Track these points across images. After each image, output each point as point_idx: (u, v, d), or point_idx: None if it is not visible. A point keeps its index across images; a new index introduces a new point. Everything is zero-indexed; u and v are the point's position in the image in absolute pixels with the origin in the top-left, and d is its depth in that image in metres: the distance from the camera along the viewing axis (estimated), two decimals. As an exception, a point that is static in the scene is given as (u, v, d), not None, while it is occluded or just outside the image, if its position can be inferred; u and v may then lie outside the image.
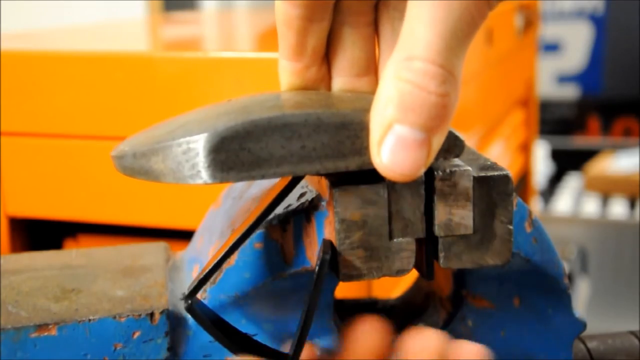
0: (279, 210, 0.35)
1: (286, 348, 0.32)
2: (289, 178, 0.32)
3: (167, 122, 0.33)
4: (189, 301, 0.33)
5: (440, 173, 0.31)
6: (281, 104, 0.31)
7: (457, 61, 0.28)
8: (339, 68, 0.35)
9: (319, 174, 0.30)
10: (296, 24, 0.33)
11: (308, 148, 0.29)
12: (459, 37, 0.27)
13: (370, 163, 0.28)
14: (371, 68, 0.35)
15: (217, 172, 0.28)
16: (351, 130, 0.29)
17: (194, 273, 0.38)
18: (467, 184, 0.31)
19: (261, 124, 0.29)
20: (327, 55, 0.35)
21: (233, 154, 0.28)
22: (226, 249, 0.32)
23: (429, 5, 0.27)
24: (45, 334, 0.34)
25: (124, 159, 0.31)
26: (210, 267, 0.33)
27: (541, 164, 2.01)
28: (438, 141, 0.28)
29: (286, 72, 0.34)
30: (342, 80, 0.35)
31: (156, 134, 0.31)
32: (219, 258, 0.32)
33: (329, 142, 0.29)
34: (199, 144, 0.28)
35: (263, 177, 0.29)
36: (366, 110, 0.29)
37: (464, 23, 0.27)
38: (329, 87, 0.35)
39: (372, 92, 0.34)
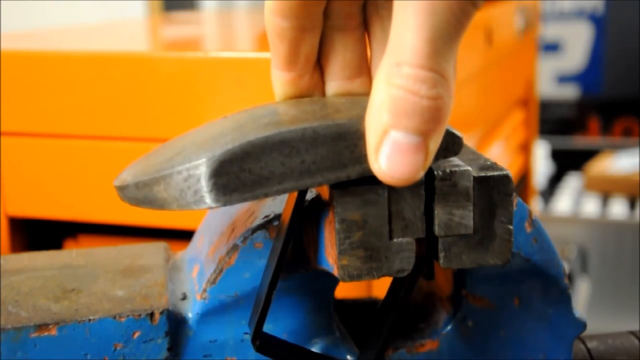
0: (279, 210, 0.35)
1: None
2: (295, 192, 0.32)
3: (165, 146, 0.33)
4: (257, 342, 0.33)
5: (440, 173, 0.31)
6: (276, 119, 0.31)
7: (446, 63, 0.28)
8: (332, 72, 0.35)
9: (321, 186, 0.30)
10: (288, 35, 0.33)
11: (307, 162, 0.29)
12: (445, 39, 0.27)
13: (371, 170, 0.29)
14: (363, 69, 0.35)
15: (220, 196, 0.28)
16: (349, 140, 0.29)
17: (194, 273, 0.38)
18: (467, 184, 0.31)
19: (258, 144, 0.29)
20: (318, 61, 0.35)
21: (234, 176, 0.28)
22: (267, 285, 0.33)
23: (414, 9, 0.27)
24: (45, 334, 0.34)
25: (127, 190, 0.31)
26: (262, 304, 0.33)
27: (541, 164, 2.01)
28: (435, 144, 0.28)
29: (280, 82, 0.34)
30: (335, 84, 0.35)
31: (156, 161, 0.31)
32: (265, 294, 0.33)
33: (328, 154, 0.29)
34: (199, 170, 0.28)
35: (266, 195, 0.29)
36: (362, 118, 0.29)
37: (450, 25, 0.27)
38: (322, 93, 0.35)
39: (366, 93, 0.34)
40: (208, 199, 0.29)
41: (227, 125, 0.31)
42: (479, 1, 0.28)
